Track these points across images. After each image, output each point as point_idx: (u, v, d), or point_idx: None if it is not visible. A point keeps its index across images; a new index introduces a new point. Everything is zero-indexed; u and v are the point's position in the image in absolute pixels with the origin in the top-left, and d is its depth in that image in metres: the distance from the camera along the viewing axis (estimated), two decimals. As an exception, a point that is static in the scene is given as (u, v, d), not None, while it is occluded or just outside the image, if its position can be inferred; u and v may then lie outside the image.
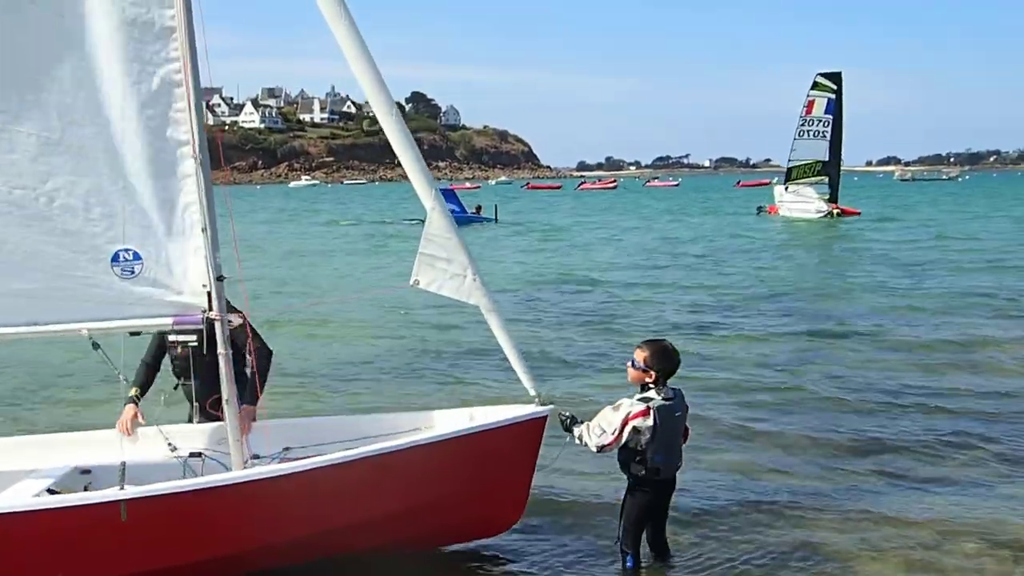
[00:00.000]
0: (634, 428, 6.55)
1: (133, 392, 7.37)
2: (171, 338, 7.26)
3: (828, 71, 56.98)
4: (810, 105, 56.76)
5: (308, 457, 6.65)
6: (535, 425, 6.91)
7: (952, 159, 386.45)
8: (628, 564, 6.89)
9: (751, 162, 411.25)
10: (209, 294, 6.55)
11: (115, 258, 6.45)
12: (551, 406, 6.95)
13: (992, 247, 34.72)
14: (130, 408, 7.30)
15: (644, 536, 6.97)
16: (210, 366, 6.72)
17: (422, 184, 6.67)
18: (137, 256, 6.46)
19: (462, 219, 53.68)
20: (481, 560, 7.31)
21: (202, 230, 6.46)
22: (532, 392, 6.95)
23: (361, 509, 6.54)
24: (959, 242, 37.26)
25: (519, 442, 6.92)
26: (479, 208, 56.30)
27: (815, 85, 56.82)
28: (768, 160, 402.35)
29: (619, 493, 7.07)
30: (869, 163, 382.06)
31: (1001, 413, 11.34)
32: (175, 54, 6.19)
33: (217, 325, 6.59)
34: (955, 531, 7.69)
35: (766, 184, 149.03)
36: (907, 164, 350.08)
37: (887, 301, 21.15)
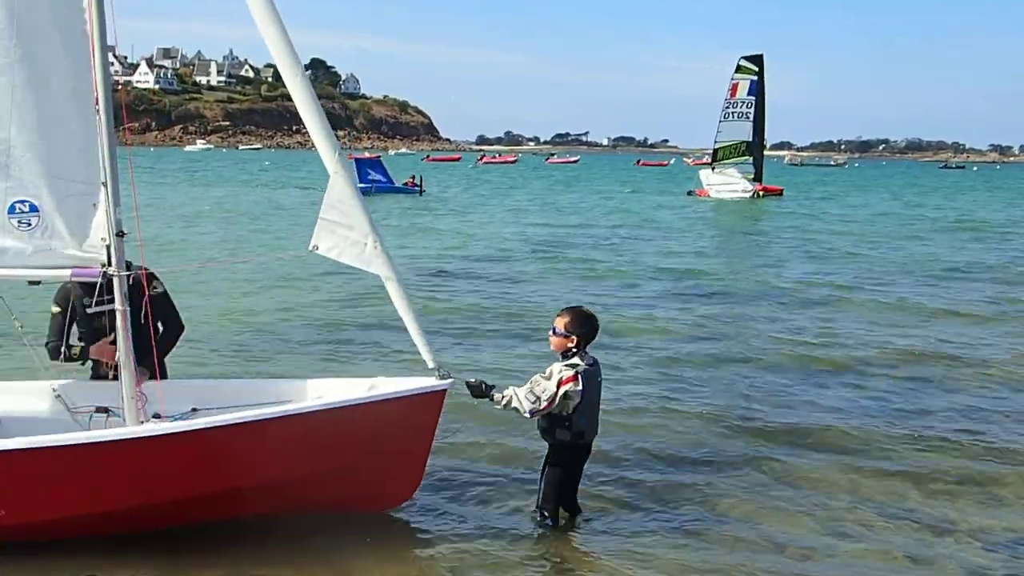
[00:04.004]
0: (565, 394, 6.69)
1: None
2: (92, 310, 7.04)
3: (750, 54, 58.19)
4: (734, 88, 57.84)
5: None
6: (433, 398, 6.73)
7: (843, 146, 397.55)
8: (548, 524, 7.08)
9: (649, 142, 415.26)
10: (108, 248, 6.49)
11: (11, 209, 6.38)
12: (450, 380, 6.73)
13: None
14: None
15: None
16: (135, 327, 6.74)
17: (326, 149, 6.50)
18: (34, 208, 6.40)
19: (389, 189, 53.24)
20: (404, 534, 7.16)
21: (103, 184, 6.41)
22: (431, 364, 6.75)
23: (247, 473, 6.44)
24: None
25: (415, 415, 6.75)
26: (413, 179, 56.40)
27: (739, 68, 57.77)
28: (666, 141, 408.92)
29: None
30: (764, 147, 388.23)
31: (908, 380, 11.91)
32: (83, 4, 6.11)
33: (115, 280, 6.53)
34: (865, 495, 8.03)
35: (665, 164, 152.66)
36: (800, 149, 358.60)
37: (802, 278, 21.85)
